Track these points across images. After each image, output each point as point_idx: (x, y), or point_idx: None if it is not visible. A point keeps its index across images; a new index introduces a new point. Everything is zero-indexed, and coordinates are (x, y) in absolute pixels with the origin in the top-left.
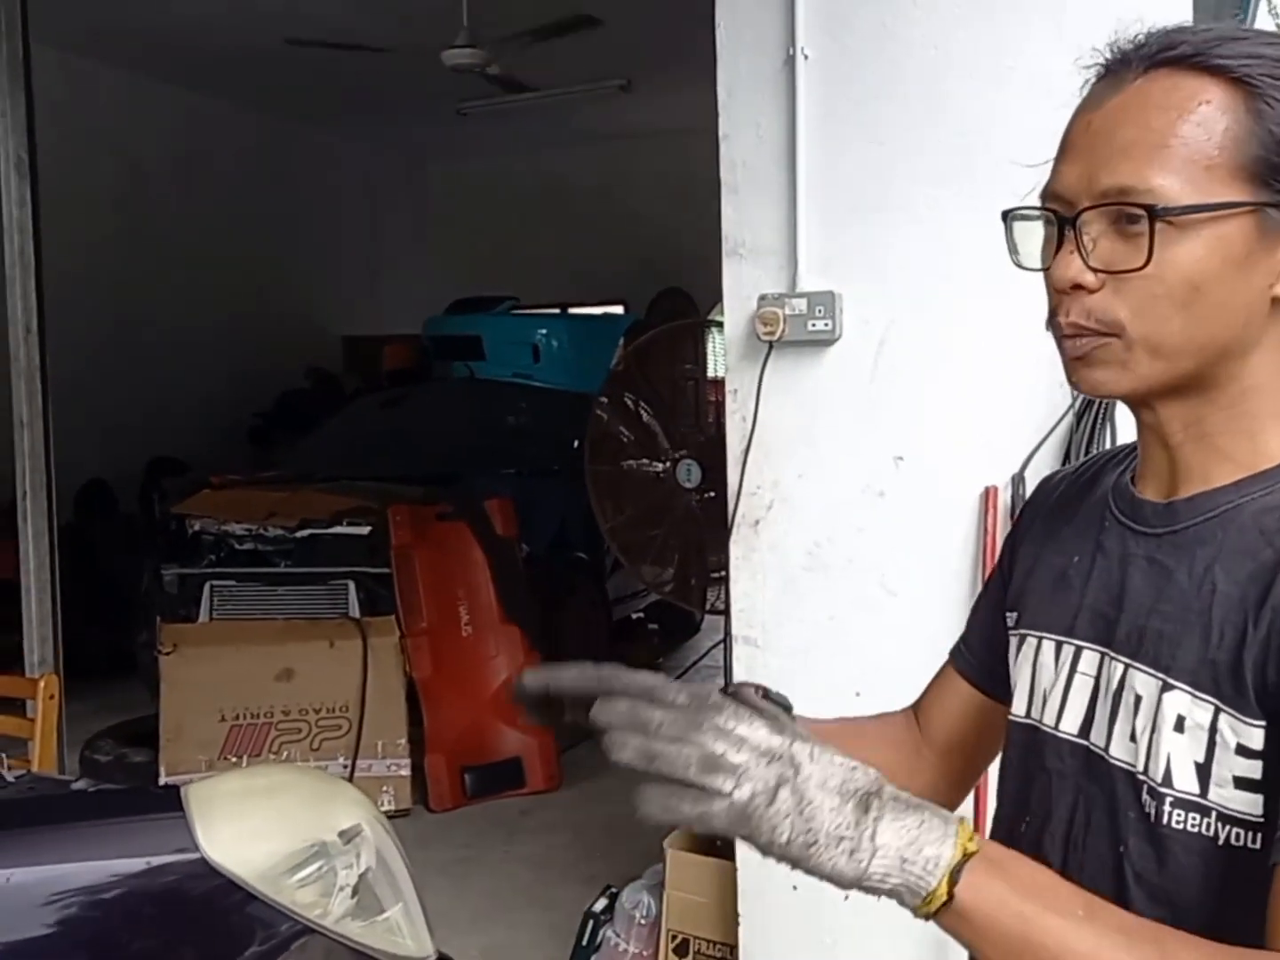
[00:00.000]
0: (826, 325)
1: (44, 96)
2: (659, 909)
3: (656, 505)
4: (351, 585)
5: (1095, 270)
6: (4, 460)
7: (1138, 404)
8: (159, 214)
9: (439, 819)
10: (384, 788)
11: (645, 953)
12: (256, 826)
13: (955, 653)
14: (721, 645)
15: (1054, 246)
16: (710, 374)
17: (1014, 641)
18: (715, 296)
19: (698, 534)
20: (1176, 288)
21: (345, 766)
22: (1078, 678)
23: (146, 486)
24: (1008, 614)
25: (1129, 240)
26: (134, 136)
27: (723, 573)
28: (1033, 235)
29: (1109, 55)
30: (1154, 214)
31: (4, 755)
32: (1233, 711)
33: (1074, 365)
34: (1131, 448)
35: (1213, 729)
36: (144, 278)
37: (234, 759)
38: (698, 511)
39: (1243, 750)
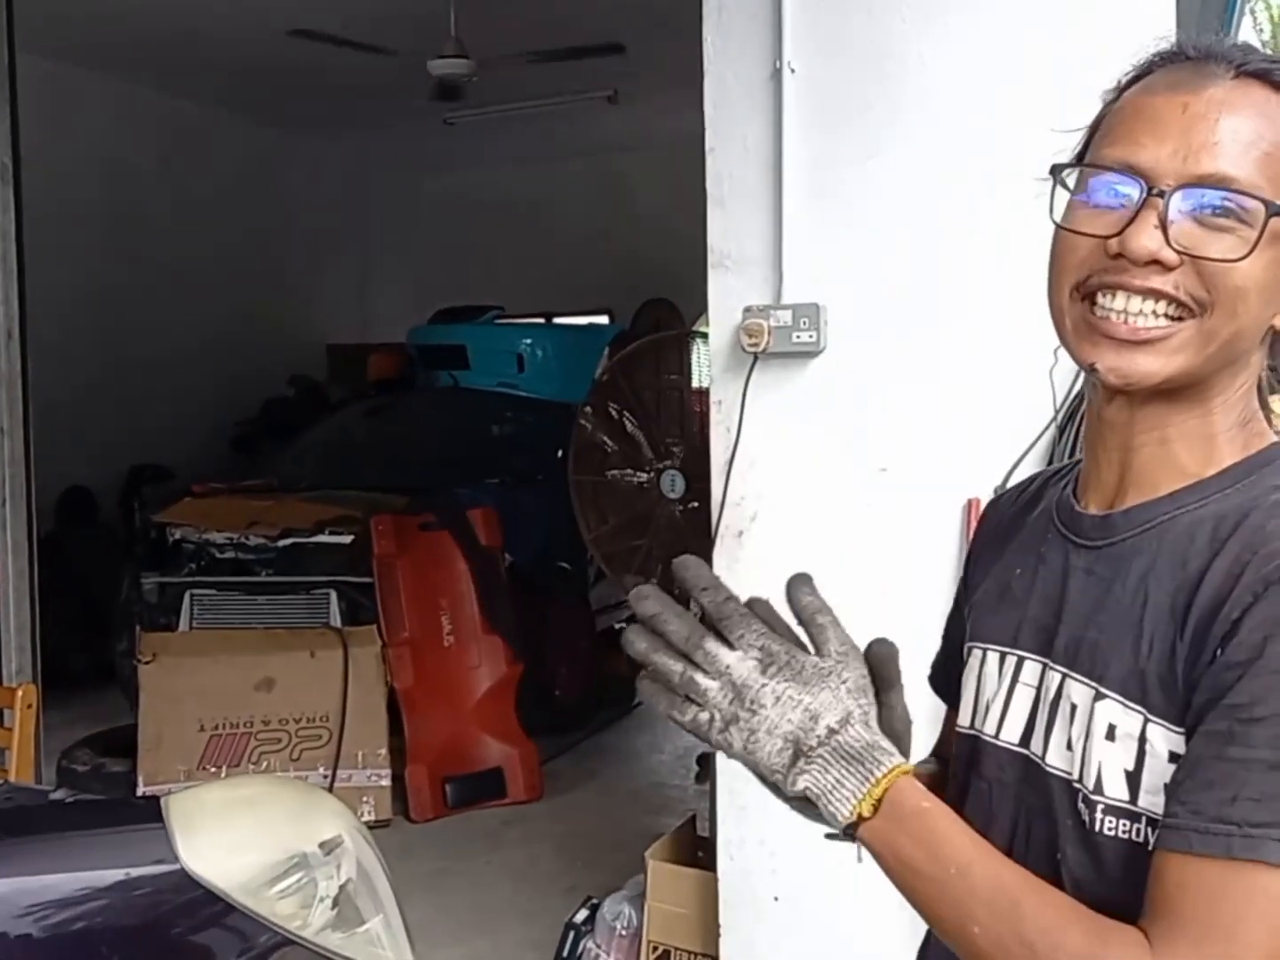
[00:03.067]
0: (811, 337)
1: (28, 103)
2: (640, 920)
3: (640, 515)
4: (333, 595)
5: (1177, 249)
6: None
7: (1126, 399)
8: (143, 221)
9: (420, 829)
10: (364, 798)
11: None
12: (237, 838)
13: (936, 687)
14: None
15: (1116, 217)
16: (695, 384)
17: (966, 655)
18: (700, 307)
19: (681, 544)
20: (1244, 285)
21: (325, 777)
22: (1019, 688)
23: (128, 495)
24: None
25: (1210, 230)
26: (119, 144)
27: None
28: (1062, 198)
29: (1188, 45)
30: (1273, 211)
31: None
32: (1162, 721)
33: (1119, 349)
34: (1074, 464)
35: (1142, 738)
36: (127, 285)
37: (213, 769)
38: (681, 522)
39: (1174, 758)
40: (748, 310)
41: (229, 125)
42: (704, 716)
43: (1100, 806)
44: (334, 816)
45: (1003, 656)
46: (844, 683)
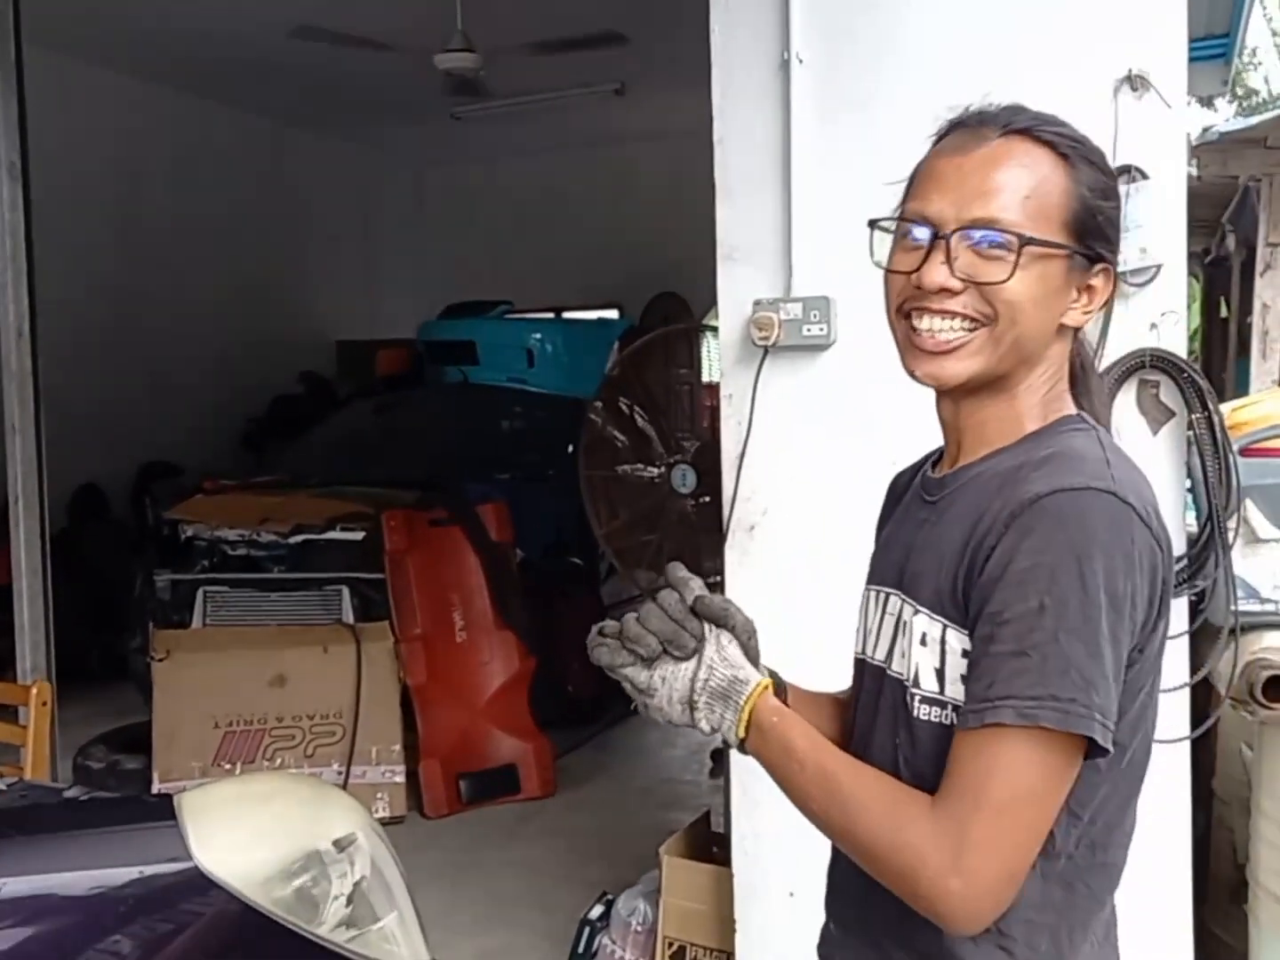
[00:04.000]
0: (821, 330)
1: (37, 100)
2: (655, 916)
3: (651, 510)
4: (345, 591)
5: (960, 278)
6: None
7: (948, 396)
8: (153, 218)
9: (434, 825)
10: (378, 794)
11: None
12: (250, 835)
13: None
14: None
15: (917, 256)
16: (705, 379)
17: (865, 596)
18: (710, 301)
19: (692, 539)
20: (1023, 300)
21: (339, 773)
22: (886, 617)
23: (139, 491)
24: None
25: (986, 259)
26: (128, 140)
27: (717, 578)
28: (886, 243)
29: (966, 116)
30: (1024, 241)
31: None
32: (956, 626)
33: (930, 358)
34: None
35: (942, 641)
36: (137, 282)
37: (227, 765)
38: (692, 517)
39: (965, 654)
40: (758, 303)
41: (239, 122)
42: (644, 703)
43: (918, 698)
44: (347, 814)
45: (876, 594)
46: (703, 642)
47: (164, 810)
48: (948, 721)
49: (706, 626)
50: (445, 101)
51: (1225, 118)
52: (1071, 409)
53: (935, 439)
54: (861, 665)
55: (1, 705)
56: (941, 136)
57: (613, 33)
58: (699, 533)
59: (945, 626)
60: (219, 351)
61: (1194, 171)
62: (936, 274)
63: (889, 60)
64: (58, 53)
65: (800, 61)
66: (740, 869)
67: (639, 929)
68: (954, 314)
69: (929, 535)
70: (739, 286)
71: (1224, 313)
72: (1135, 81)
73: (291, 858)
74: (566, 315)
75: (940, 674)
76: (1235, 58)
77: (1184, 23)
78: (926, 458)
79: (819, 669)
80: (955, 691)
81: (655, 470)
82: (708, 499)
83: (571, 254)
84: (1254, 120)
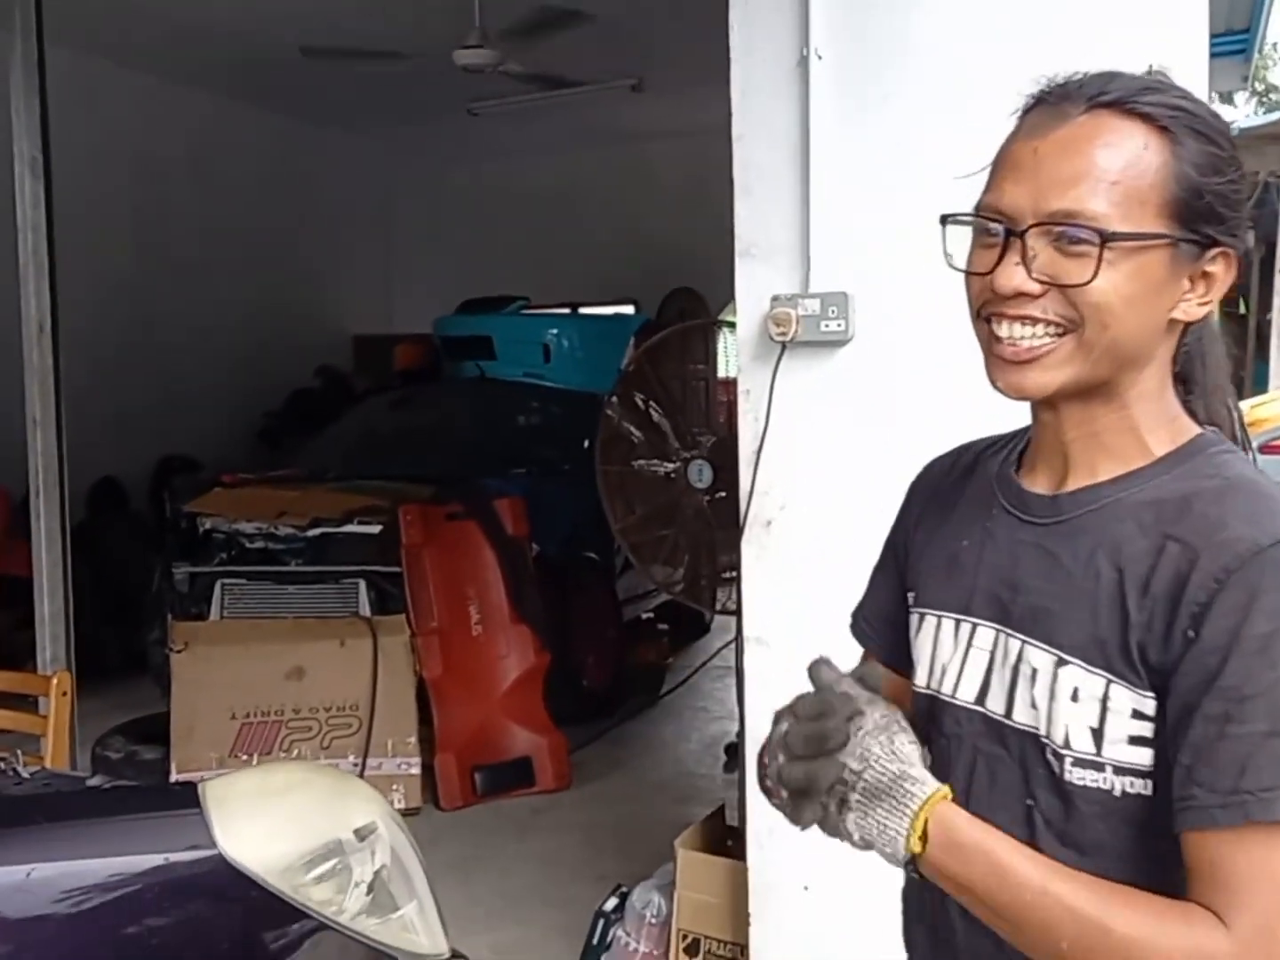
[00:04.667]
0: (839, 326)
1: (59, 97)
2: (670, 909)
3: (667, 505)
4: (362, 584)
5: (1038, 280)
6: (17, 459)
7: (1045, 403)
8: (172, 214)
9: (449, 818)
10: (394, 786)
11: (656, 952)
12: (273, 824)
13: (860, 634)
14: (732, 646)
15: (994, 255)
16: (721, 374)
17: (914, 619)
18: (726, 296)
19: (708, 534)
20: (1113, 301)
21: (355, 765)
22: (974, 652)
23: (158, 485)
24: (908, 593)
25: (1069, 257)
26: (148, 137)
27: (733, 573)
28: (964, 240)
29: (1048, 89)
30: (1104, 238)
31: (20, 752)
32: (1123, 683)
33: (1013, 369)
34: (1008, 437)
35: (1105, 698)
36: (156, 278)
37: (244, 757)
38: (708, 512)
39: (1136, 714)
40: (775, 299)
41: (256, 119)
42: (807, 815)
43: (1069, 759)
44: (368, 803)
45: (957, 623)
46: (862, 729)
47: (188, 799)
48: (1106, 786)
49: (867, 702)
50: (463, 98)
51: (1245, 114)
52: (1194, 427)
53: (953, 434)
54: (932, 702)
55: (22, 695)
56: (1024, 114)
57: (571, 10)
58: (715, 528)
59: (1109, 682)
60: (237, 346)
61: None
62: (1012, 276)
63: (908, 55)
64: (79, 51)
65: (819, 57)
66: (755, 863)
67: (653, 921)
68: (1034, 319)
69: (1048, 567)
70: (757, 282)
71: (1242, 310)
72: (1155, 76)
73: (313, 846)
74: (583, 311)
75: (1098, 734)
76: (1255, 53)
77: (1205, 17)
78: (969, 453)
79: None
80: (1115, 753)
81: (671, 465)
82: (724, 494)
83: (588, 250)
84: (1274, 116)
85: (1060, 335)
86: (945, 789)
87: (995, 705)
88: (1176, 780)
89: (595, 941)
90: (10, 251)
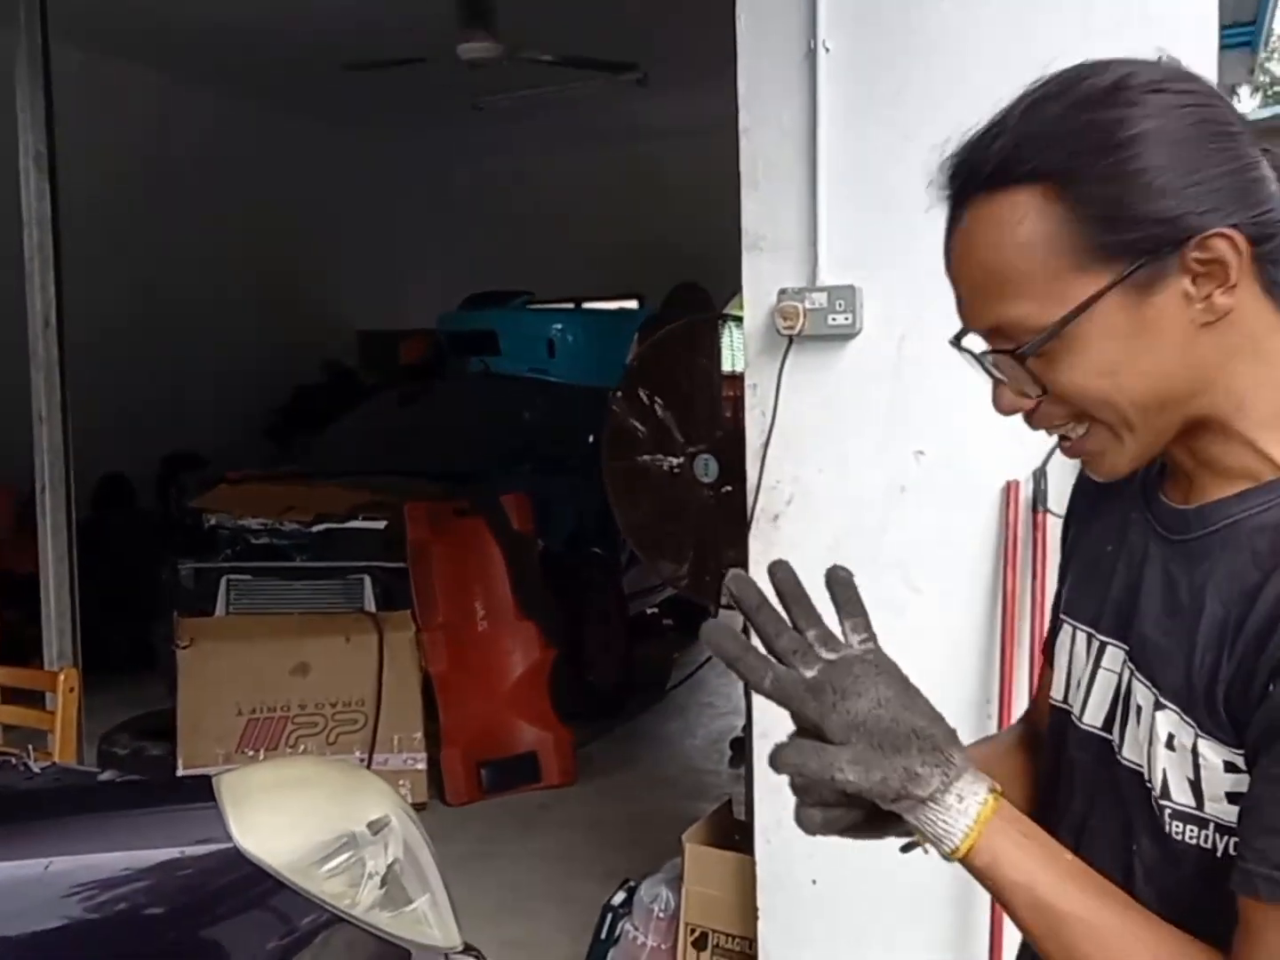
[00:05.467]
0: (847, 319)
1: (64, 93)
2: (677, 903)
3: (673, 500)
4: (367, 580)
5: (1028, 396)
6: (23, 454)
7: None
8: (178, 210)
9: (455, 813)
10: (400, 782)
11: (664, 946)
12: (288, 817)
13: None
14: None
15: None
16: (727, 369)
17: (1060, 624)
18: (732, 290)
19: (714, 529)
20: (1093, 383)
21: (361, 760)
22: (1102, 673)
23: (164, 481)
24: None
25: (1045, 361)
26: (154, 133)
27: (739, 569)
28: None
29: (942, 176)
30: (1018, 356)
31: (30, 747)
32: (1210, 737)
33: (1085, 464)
34: None
35: (1195, 750)
36: (162, 273)
37: (250, 752)
38: (715, 507)
39: (1230, 767)
40: (783, 293)
41: (261, 115)
42: (799, 672)
43: (1169, 811)
44: (381, 797)
45: (1089, 638)
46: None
47: (202, 792)
48: (1208, 845)
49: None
50: (469, 93)
51: (1250, 107)
52: None
53: (963, 430)
54: (1064, 720)
55: (29, 691)
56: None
57: (627, 62)
58: (721, 522)
59: (1197, 735)
60: (243, 342)
61: None
62: (1001, 400)
63: (916, 48)
64: (84, 47)
65: (827, 50)
66: (762, 857)
67: (661, 915)
68: (1052, 426)
69: (1166, 593)
70: (764, 276)
71: None
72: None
73: (327, 840)
74: (587, 306)
75: (1196, 788)
76: (1261, 46)
77: (1215, 9)
78: None
79: None
80: (1218, 809)
81: (677, 460)
82: (730, 489)
83: (592, 245)
84: (1279, 109)
85: (1083, 426)
86: (999, 788)
87: (1116, 735)
88: (1238, 831)
89: (603, 936)
90: (15, 246)
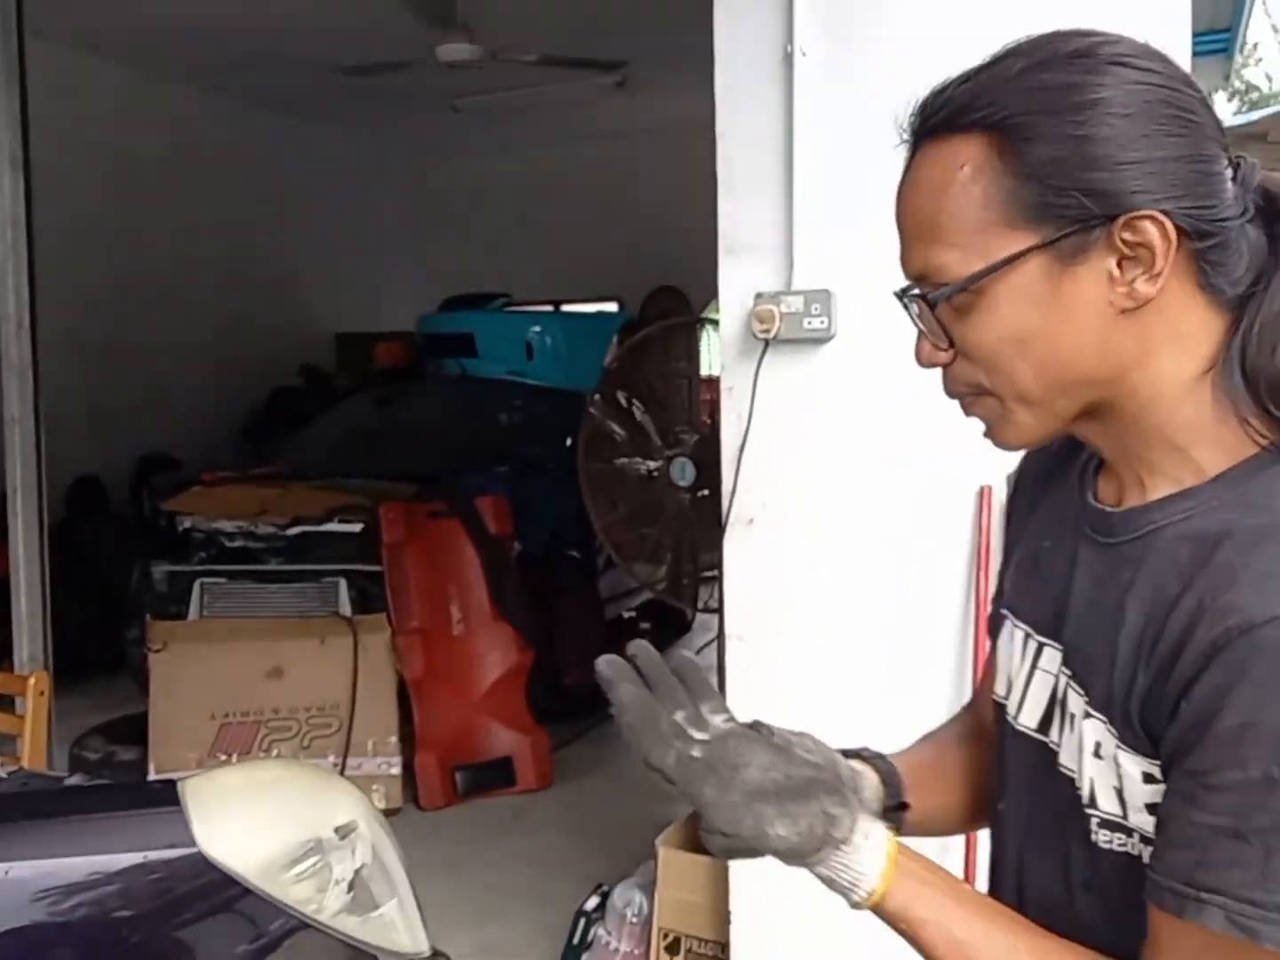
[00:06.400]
0: (822, 323)
1: (39, 92)
2: (651, 907)
3: (650, 503)
4: (343, 583)
5: (940, 348)
6: None
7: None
8: (152, 210)
9: (430, 818)
10: (374, 786)
11: (636, 951)
12: (253, 821)
13: (989, 629)
14: (713, 644)
15: None
16: (704, 372)
17: (1001, 619)
18: (709, 294)
19: (691, 532)
20: (1003, 345)
21: (335, 764)
22: (1039, 674)
23: (137, 483)
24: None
25: (959, 314)
26: (129, 132)
27: (715, 571)
28: None
29: (901, 132)
30: (929, 302)
31: None
32: (1129, 749)
33: (990, 433)
34: None
35: (1115, 760)
36: (137, 274)
37: (224, 757)
38: (691, 510)
39: (1148, 778)
40: (759, 296)
41: (237, 114)
42: (687, 753)
43: (1096, 820)
44: (349, 801)
45: (1027, 638)
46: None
47: (167, 797)
48: (1135, 853)
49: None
50: (446, 94)
51: (1227, 113)
52: (1256, 437)
53: (938, 434)
54: (1003, 713)
55: None
56: None
57: (615, 61)
58: (697, 526)
59: (1117, 745)
60: (218, 344)
61: None
62: (919, 352)
63: (892, 53)
64: (59, 45)
65: (803, 54)
66: (736, 862)
67: (634, 920)
68: (955, 391)
69: (1092, 596)
70: (740, 279)
71: None
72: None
73: (294, 844)
74: (565, 308)
75: (1121, 795)
76: (1236, 53)
77: (1188, 17)
78: (1069, 445)
79: (817, 664)
80: (1140, 820)
81: (654, 463)
82: (706, 492)
83: (570, 247)
84: (1255, 116)
85: (978, 396)
86: (893, 834)
87: (1056, 737)
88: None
89: (576, 941)
90: None
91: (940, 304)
